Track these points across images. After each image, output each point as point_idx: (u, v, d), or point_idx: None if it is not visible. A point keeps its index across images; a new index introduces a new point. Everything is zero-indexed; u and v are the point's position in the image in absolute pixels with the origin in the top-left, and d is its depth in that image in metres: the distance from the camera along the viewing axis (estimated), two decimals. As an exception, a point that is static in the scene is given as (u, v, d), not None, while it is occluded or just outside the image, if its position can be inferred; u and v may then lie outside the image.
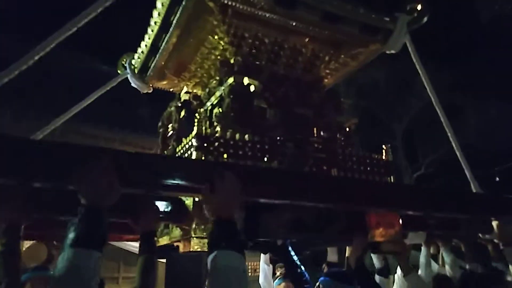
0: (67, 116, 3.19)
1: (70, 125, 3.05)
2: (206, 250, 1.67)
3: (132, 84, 3.44)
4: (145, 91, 3.47)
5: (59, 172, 1.30)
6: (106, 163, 1.27)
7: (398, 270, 3.25)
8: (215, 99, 2.86)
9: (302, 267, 2.67)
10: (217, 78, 2.88)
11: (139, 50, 3.14)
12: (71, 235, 1.14)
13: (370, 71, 13.01)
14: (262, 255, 3.34)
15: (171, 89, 3.47)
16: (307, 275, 2.65)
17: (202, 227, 1.92)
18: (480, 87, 13.49)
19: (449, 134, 3.36)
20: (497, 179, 11.96)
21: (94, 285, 1.13)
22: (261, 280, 3.42)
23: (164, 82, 3.40)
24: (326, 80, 3.13)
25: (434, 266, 3.85)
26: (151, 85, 3.42)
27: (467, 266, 3.37)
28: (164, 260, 2.10)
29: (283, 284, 3.46)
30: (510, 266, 2.32)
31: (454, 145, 3.29)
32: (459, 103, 13.76)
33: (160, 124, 2.95)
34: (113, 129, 8.32)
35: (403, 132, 15.01)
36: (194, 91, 3.25)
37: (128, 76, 3.38)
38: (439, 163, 13.96)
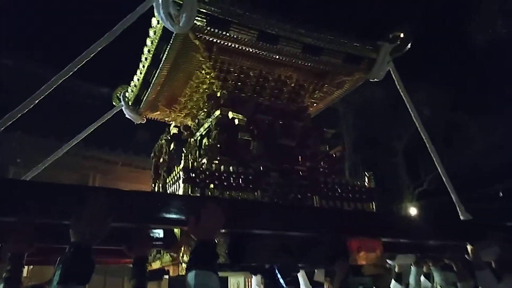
0: (72, 143, 3.31)
1: (72, 148, 3.21)
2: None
3: (127, 115, 3.59)
4: (138, 122, 3.62)
5: (58, 210, 1.46)
6: (101, 204, 1.41)
7: None
8: (204, 130, 3.00)
9: None
10: (205, 110, 3.03)
11: (132, 83, 3.30)
12: (58, 272, 1.25)
13: (367, 90, 13.25)
14: (253, 277, 3.41)
15: (164, 119, 3.62)
16: None
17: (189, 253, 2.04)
18: (482, 105, 13.61)
19: (434, 160, 3.45)
20: (501, 194, 12.00)
21: None
22: None
23: (157, 113, 3.55)
24: (310, 109, 3.27)
25: (428, 285, 3.93)
26: (144, 116, 3.57)
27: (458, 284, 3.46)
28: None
29: None
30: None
31: (440, 171, 3.39)
32: (462, 122, 13.89)
33: (152, 155, 3.08)
34: (116, 151, 8.46)
35: (404, 149, 14.88)
36: (185, 121, 3.40)
37: (123, 108, 3.53)
38: (441, 179, 14.01)
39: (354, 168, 14.35)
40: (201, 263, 1.39)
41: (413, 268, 3.71)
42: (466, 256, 2.67)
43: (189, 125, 3.31)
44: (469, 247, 2.42)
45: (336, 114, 13.56)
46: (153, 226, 1.92)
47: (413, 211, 12.99)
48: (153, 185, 2.99)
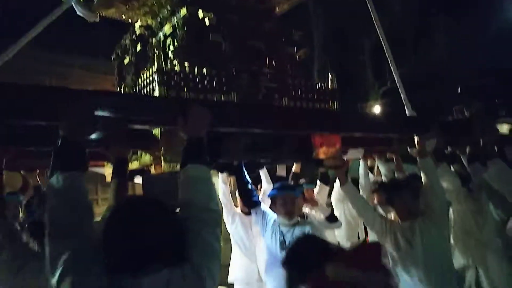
0: (21, 44, 3.08)
1: (27, 51, 2.95)
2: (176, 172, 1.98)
3: (78, 13, 3.33)
4: (92, 20, 3.38)
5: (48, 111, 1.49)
6: (87, 104, 1.46)
7: (337, 181, 3.78)
8: (168, 30, 2.91)
9: (251, 184, 3.09)
10: (169, 8, 2.90)
11: (84, -25, 3.02)
12: (56, 163, 1.35)
13: None
14: (219, 174, 3.67)
15: (119, 18, 3.41)
16: (255, 191, 3.10)
17: (171, 152, 2.16)
18: (452, 6, 13.69)
19: (388, 58, 3.66)
20: (459, 90, 12.70)
21: (88, 200, 1.39)
22: (220, 196, 3.80)
23: (112, 10, 3.33)
24: (277, 9, 3.24)
25: (370, 176, 4.49)
26: (98, 13, 3.33)
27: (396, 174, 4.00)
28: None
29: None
30: (421, 173, 2.83)
31: (392, 70, 3.63)
32: (432, 22, 14.01)
33: (114, 56, 2.98)
34: (72, 54, 7.75)
35: (372, 48, 14.66)
36: (144, 20, 3.24)
37: (73, 3, 3.26)
38: (405, 78, 14.51)
39: (323, 68, 14.55)
40: (193, 158, 1.53)
41: (361, 162, 4.20)
42: (408, 148, 3.07)
43: (150, 23, 3.18)
44: (415, 138, 2.78)
45: (306, 12, 13.19)
46: (137, 128, 1.99)
47: (377, 109, 13.56)
48: (118, 87, 2.95)
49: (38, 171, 3.36)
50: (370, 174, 4.45)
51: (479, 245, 3.40)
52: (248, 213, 3.51)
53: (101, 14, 3.37)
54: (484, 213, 3.41)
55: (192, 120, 1.63)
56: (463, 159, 3.66)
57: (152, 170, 2.23)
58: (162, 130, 2.12)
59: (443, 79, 13.36)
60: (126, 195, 2.09)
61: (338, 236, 4.46)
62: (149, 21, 3.22)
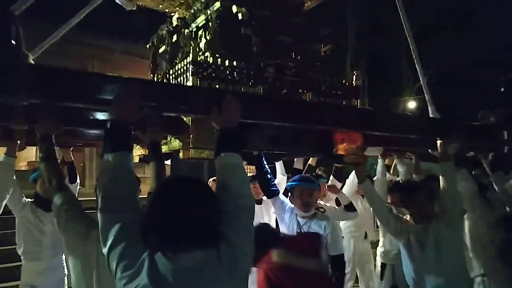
0: (65, 29, 3.26)
1: (69, 35, 3.14)
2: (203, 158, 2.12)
3: (116, 0, 3.49)
4: (129, 8, 3.54)
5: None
6: (135, 90, 1.59)
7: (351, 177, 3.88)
8: (201, 22, 3.03)
9: (271, 174, 3.21)
10: (202, 0, 3.02)
11: (124, -34, 3.16)
12: (109, 143, 1.49)
13: None
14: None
15: (155, 8, 3.55)
16: (274, 181, 3.22)
17: (200, 139, 2.29)
18: None
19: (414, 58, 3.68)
20: (502, 89, 12.27)
21: (135, 177, 1.53)
22: None
23: (148, 0, 3.48)
24: (306, 4, 3.32)
25: (388, 175, 4.54)
26: (135, 2, 3.48)
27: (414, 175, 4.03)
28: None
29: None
30: (441, 176, 2.87)
31: (419, 72, 3.65)
32: (473, 7, 13.60)
33: (150, 44, 3.13)
34: (114, 39, 8.02)
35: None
36: (178, 11, 3.37)
37: (112, -9, 3.42)
38: (442, 74, 13.70)
39: (356, 59, 14.30)
40: (228, 147, 1.66)
41: (379, 160, 4.24)
42: (429, 150, 3.11)
43: (183, 14, 3.30)
44: (438, 142, 2.82)
45: (341, 4, 12.93)
46: (168, 116, 2.14)
47: (411, 104, 13.21)
48: (151, 75, 3.10)
49: (72, 148, 3.57)
50: (387, 173, 4.50)
51: (490, 256, 3.40)
52: (259, 202, 3.62)
53: (138, 3, 3.54)
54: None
55: (226, 111, 1.75)
56: (485, 166, 3.66)
57: (180, 155, 2.37)
58: (192, 118, 2.25)
59: (485, 71, 12.71)
60: (165, 176, 2.25)
61: (345, 230, 4.56)
62: (183, 12, 3.35)
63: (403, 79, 14.39)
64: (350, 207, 3.82)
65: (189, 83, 2.36)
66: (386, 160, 4.42)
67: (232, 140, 1.70)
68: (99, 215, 1.41)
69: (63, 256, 3.67)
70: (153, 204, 1.41)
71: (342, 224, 4.69)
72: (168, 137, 2.57)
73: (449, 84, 13.56)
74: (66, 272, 3.69)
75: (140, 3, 3.56)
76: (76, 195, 3.10)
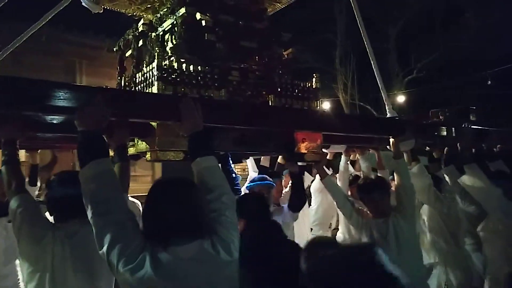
0: (37, 26, 3.27)
1: (54, 32, 3.14)
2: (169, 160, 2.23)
3: (83, 3, 3.51)
4: (96, 12, 3.57)
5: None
6: (100, 100, 1.69)
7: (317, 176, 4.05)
8: (167, 26, 3.11)
9: (235, 173, 3.36)
10: (169, 6, 3.10)
11: (90, -30, 3.20)
12: (84, 154, 1.59)
13: None
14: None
15: (122, 11, 3.61)
16: (238, 181, 3.38)
17: (165, 142, 2.39)
18: None
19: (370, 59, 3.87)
20: (489, 82, 12.51)
21: (118, 179, 1.66)
22: None
23: (115, 3, 3.52)
24: (269, 10, 3.46)
25: (351, 170, 4.75)
26: (102, 5, 3.52)
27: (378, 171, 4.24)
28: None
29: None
30: (395, 173, 3.08)
31: (375, 71, 3.85)
32: (461, 5, 13.87)
33: (116, 48, 3.19)
34: (100, 36, 7.86)
35: (397, 36, 14.97)
36: (145, 15, 3.44)
37: (78, -5, 3.45)
38: (431, 68, 14.38)
39: (345, 54, 14.47)
40: (200, 151, 1.79)
41: (343, 156, 4.44)
42: (387, 147, 3.32)
43: (150, 19, 3.37)
44: (391, 140, 3.02)
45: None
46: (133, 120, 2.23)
47: (401, 99, 13.50)
48: (118, 78, 3.16)
49: (39, 151, 3.58)
50: (351, 168, 4.71)
51: (446, 244, 3.66)
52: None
53: (105, 6, 3.58)
54: (453, 215, 3.66)
55: (187, 116, 1.86)
56: (440, 161, 3.90)
57: (147, 157, 2.47)
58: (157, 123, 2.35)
59: (472, 65, 12.97)
60: (128, 179, 2.36)
61: (313, 223, 4.76)
62: (150, 17, 3.42)
63: (392, 74, 14.78)
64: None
65: (155, 88, 2.45)
66: (351, 156, 4.63)
67: (203, 144, 1.83)
68: (92, 221, 1.51)
69: (17, 262, 3.58)
70: (150, 203, 1.56)
71: (312, 216, 4.90)
72: (135, 140, 2.65)
73: (437, 79, 14.00)
74: (19, 277, 3.61)
75: (107, 7, 3.61)
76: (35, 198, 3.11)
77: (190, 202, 1.53)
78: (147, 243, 1.47)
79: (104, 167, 1.58)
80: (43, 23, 3.37)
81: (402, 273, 0.97)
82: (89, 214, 1.52)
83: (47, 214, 2.37)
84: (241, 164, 7.05)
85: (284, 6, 3.65)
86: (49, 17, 3.41)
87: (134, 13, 3.54)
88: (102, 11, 3.62)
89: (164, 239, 1.48)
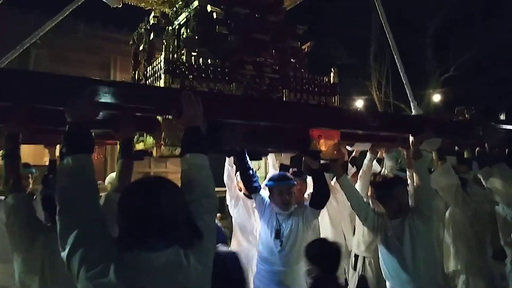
0: (57, 19, 3.31)
1: (91, 28, 3.20)
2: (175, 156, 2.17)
3: (102, -2, 3.54)
4: (114, 6, 3.59)
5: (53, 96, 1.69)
6: (89, 91, 1.64)
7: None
8: (182, 19, 3.07)
9: (253, 170, 3.24)
10: (184, -1, 3.06)
11: (107, -36, 3.21)
12: (66, 147, 1.50)
13: None
14: (227, 158, 3.84)
15: (140, 5, 3.60)
16: (256, 177, 3.25)
17: (171, 137, 2.34)
18: None
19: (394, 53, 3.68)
20: None
21: (95, 179, 1.54)
22: (225, 179, 3.96)
23: (133, -3, 3.52)
24: (287, 3, 3.34)
25: (377, 168, 4.52)
26: (120, 0, 3.53)
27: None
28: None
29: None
30: (414, 173, 2.89)
31: (398, 66, 3.66)
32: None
33: (131, 42, 3.17)
34: (122, 31, 8.02)
35: (435, 31, 14.31)
36: (162, 8, 3.42)
37: (97, -11, 3.47)
38: (468, 65, 13.58)
39: (380, 51, 14.10)
40: (192, 147, 1.67)
41: (368, 154, 4.24)
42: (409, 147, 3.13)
43: (167, 12, 3.34)
44: (410, 138, 2.84)
45: None
46: (137, 115, 2.19)
47: (437, 97, 12.98)
48: (132, 72, 3.15)
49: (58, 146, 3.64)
50: (377, 165, 4.47)
51: (469, 252, 3.42)
52: (250, 197, 3.65)
53: (123, 1, 3.59)
54: (481, 220, 3.42)
55: (185, 110, 1.76)
56: (472, 162, 3.65)
57: (154, 153, 2.42)
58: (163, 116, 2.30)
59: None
60: (131, 175, 2.29)
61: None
62: (167, 10, 3.39)
63: (428, 71, 14.18)
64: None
65: (161, 82, 2.40)
66: (378, 154, 4.42)
67: (197, 140, 1.70)
68: (57, 218, 1.42)
69: None
70: (123, 205, 1.41)
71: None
72: (144, 134, 2.62)
73: (474, 77, 13.29)
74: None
75: (126, 1, 3.62)
76: None
77: (166, 205, 1.37)
78: (114, 247, 1.34)
79: (83, 163, 1.49)
80: (63, 16, 3.41)
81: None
82: (57, 210, 1.42)
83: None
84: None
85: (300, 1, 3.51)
86: (69, 10, 3.45)
87: (152, 7, 3.53)
88: (120, 6, 3.65)
89: (134, 243, 1.33)
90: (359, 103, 13.43)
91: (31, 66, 6.30)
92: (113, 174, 4.41)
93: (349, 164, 4.34)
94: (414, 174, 2.88)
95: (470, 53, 13.50)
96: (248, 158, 3.33)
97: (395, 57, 3.56)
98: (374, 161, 4.30)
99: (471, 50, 13.42)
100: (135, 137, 2.63)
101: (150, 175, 1.77)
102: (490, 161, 3.19)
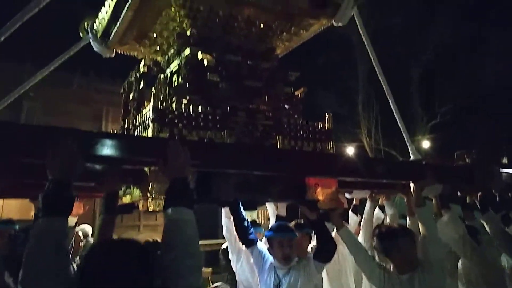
0: (44, 72, 3.28)
1: (85, 80, 3.22)
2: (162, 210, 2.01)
3: (94, 49, 3.54)
4: (107, 56, 3.58)
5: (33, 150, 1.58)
6: (70, 144, 1.51)
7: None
8: (174, 67, 3.04)
9: (248, 221, 3.04)
10: (175, 47, 3.04)
11: (100, 16, 3.22)
12: (42, 207, 1.38)
13: (385, 16, 12.64)
14: (223, 209, 3.65)
15: (133, 54, 3.60)
16: (251, 228, 3.04)
17: (158, 189, 2.21)
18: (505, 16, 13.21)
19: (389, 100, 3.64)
20: None
21: (66, 245, 1.40)
22: (224, 232, 3.74)
23: (126, 47, 3.52)
24: (279, 50, 3.33)
25: (381, 216, 4.31)
26: (113, 50, 3.53)
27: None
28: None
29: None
30: (419, 222, 2.73)
31: (394, 112, 3.60)
32: (483, 34, 13.70)
33: (121, 91, 3.12)
34: (115, 82, 8.13)
35: (420, 79, 14.78)
36: (155, 57, 3.40)
37: (90, 40, 3.47)
38: (455, 112, 13.93)
39: (368, 99, 14.39)
40: (175, 200, 1.53)
41: (368, 202, 4.07)
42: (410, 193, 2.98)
43: (159, 61, 3.33)
44: (411, 185, 2.70)
45: (350, 43, 13.20)
46: (123, 166, 2.06)
47: (426, 144, 13.04)
48: (122, 121, 3.07)
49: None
50: (381, 213, 4.28)
51: None
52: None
53: (116, 50, 3.59)
54: (492, 268, 3.22)
55: (171, 160, 1.65)
56: (477, 207, 3.49)
57: (140, 206, 2.28)
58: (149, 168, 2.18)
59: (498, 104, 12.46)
60: (112, 232, 2.13)
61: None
62: (159, 58, 3.38)
63: (416, 118, 14.40)
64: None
65: (149, 131, 2.31)
66: (379, 201, 4.26)
67: (182, 193, 1.56)
68: (21, 282, 1.28)
69: None
70: (87, 269, 1.27)
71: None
72: (131, 187, 2.49)
73: (465, 120, 13.48)
74: None
75: (119, 51, 3.62)
76: None
77: (134, 268, 1.25)
78: None
79: (56, 227, 1.36)
80: (55, 65, 3.38)
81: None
82: (21, 273, 1.28)
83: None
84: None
85: (295, 46, 3.52)
86: (60, 61, 3.42)
87: (144, 56, 3.52)
88: (113, 55, 3.65)
89: None
90: (350, 150, 13.46)
91: (23, 119, 6.29)
92: (85, 226, 4.26)
93: (352, 213, 4.16)
94: (419, 224, 2.71)
95: (455, 100, 13.77)
96: (242, 209, 3.16)
97: (390, 102, 3.52)
98: (377, 209, 4.13)
99: (456, 98, 13.70)
100: (122, 189, 2.49)
101: (118, 239, 1.62)
102: (497, 207, 3.04)
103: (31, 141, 1.67)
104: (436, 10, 13.73)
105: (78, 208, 3.26)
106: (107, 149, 1.80)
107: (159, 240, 1.76)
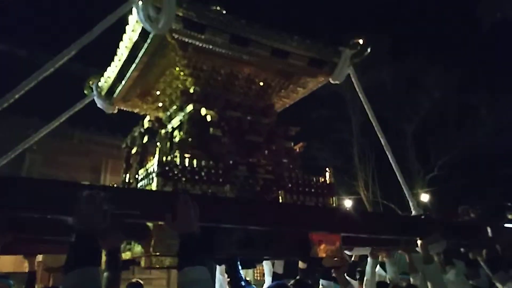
0: (44, 131, 3.30)
1: (85, 134, 3.26)
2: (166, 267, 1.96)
3: (98, 105, 3.61)
4: (110, 112, 3.65)
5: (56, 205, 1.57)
6: (99, 198, 1.52)
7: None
8: (176, 123, 3.10)
9: (245, 281, 2.93)
10: (178, 104, 3.12)
11: (106, 75, 3.33)
12: (72, 260, 1.37)
13: (376, 73, 13.03)
14: (217, 266, 3.54)
15: (135, 111, 3.68)
16: None
17: (161, 245, 2.15)
18: (494, 85, 13.64)
19: (387, 152, 3.66)
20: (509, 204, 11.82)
21: None
22: None
23: (129, 104, 3.61)
24: (277, 106, 3.43)
25: (382, 273, 4.20)
26: (116, 106, 3.61)
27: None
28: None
29: None
30: (427, 280, 2.66)
31: (394, 167, 3.61)
32: (473, 102, 14.06)
33: (124, 145, 3.15)
34: (116, 135, 8.23)
35: (414, 133, 15.07)
36: (156, 113, 3.48)
37: (94, 97, 3.55)
38: (452, 164, 14.03)
39: (363, 152, 14.49)
40: (189, 259, 1.50)
41: (369, 259, 3.98)
42: (417, 249, 2.93)
43: (160, 117, 3.39)
44: (418, 242, 2.66)
45: (343, 99, 13.53)
46: (128, 221, 2.02)
47: (424, 197, 12.96)
48: (124, 175, 3.07)
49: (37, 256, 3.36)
50: (382, 271, 4.18)
51: None
52: None
53: (119, 107, 3.67)
54: None
55: (181, 215, 1.63)
56: (482, 265, 3.42)
57: (142, 263, 2.21)
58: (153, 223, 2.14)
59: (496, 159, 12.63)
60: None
61: None
62: (160, 115, 3.45)
63: (412, 172, 14.42)
64: None
65: (154, 185, 2.30)
66: (380, 258, 4.16)
67: (193, 250, 1.54)
68: None
69: None
70: None
71: None
72: (132, 242, 2.42)
73: (460, 176, 13.54)
74: None
75: (122, 107, 3.70)
76: None
77: None
78: None
79: (91, 276, 1.36)
80: (60, 121, 3.40)
81: None
82: None
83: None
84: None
85: (292, 102, 3.62)
86: (66, 116, 3.46)
87: (147, 112, 3.60)
88: (116, 111, 3.72)
89: None
90: (348, 203, 13.36)
91: (24, 170, 6.28)
92: None
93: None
94: (428, 282, 2.63)
95: (451, 153, 13.99)
96: (240, 267, 3.06)
97: (389, 156, 3.54)
98: (378, 267, 4.04)
99: (451, 151, 13.91)
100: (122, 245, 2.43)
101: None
102: (504, 265, 2.96)
103: (28, 195, 1.65)
104: (426, 71, 14.31)
105: None
106: (113, 202, 1.79)
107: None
